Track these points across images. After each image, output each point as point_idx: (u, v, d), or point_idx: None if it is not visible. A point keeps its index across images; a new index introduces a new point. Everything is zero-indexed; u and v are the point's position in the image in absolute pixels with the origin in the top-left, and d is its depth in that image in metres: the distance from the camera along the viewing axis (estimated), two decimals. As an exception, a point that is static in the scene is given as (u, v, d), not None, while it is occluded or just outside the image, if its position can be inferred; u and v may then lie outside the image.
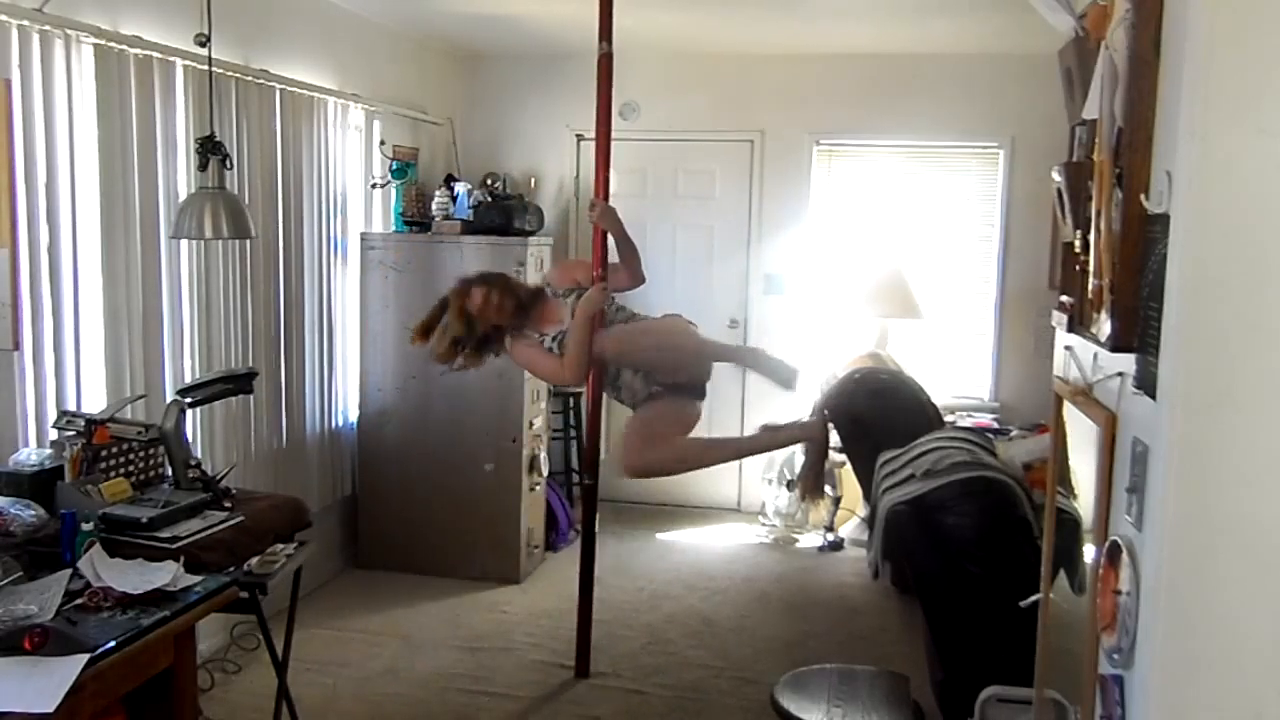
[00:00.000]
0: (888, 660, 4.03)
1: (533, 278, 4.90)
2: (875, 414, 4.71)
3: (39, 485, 2.76)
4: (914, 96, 5.77)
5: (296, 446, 4.58)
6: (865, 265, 5.82)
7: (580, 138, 6.10)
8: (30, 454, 2.93)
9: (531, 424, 5.02)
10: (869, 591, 5.01)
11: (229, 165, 3.44)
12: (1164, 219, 1.71)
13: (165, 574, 2.44)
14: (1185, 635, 1.63)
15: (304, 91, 4.44)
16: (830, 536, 5.70)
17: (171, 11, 3.62)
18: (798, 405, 5.80)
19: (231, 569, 2.77)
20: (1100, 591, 1.94)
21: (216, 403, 3.57)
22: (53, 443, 3.01)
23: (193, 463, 3.09)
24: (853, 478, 5.09)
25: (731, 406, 6.17)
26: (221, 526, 2.84)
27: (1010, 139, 5.73)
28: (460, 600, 4.75)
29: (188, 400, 3.18)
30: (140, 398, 3.44)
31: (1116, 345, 1.92)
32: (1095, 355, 2.18)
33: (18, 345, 3.01)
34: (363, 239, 5.01)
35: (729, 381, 6.14)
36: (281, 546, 3.06)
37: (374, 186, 5.15)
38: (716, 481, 6.27)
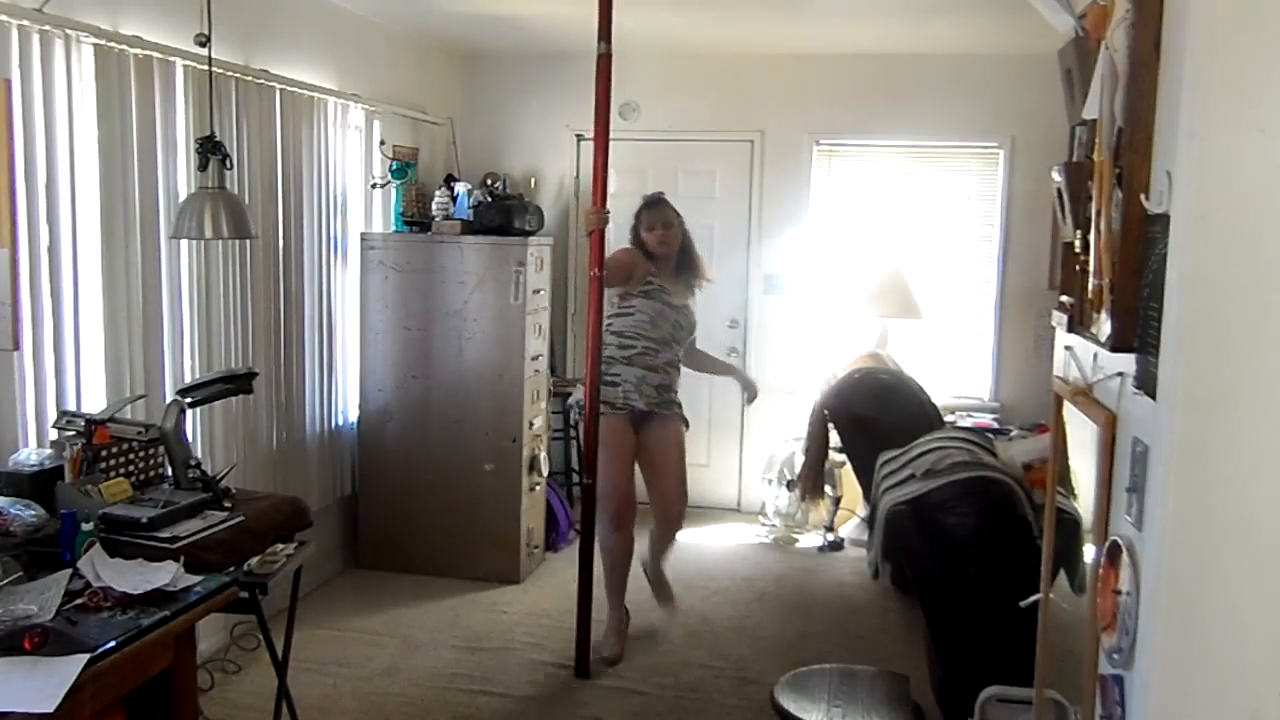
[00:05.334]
0: (888, 660, 4.03)
1: (532, 278, 4.92)
2: (875, 414, 4.71)
3: (39, 485, 2.76)
4: (914, 96, 5.77)
5: (296, 446, 4.58)
6: (865, 265, 5.82)
7: (580, 138, 6.10)
8: (30, 454, 2.93)
9: (531, 424, 5.02)
10: (869, 591, 5.01)
11: (229, 165, 3.43)
12: (1164, 219, 1.71)
13: (165, 574, 2.43)
14: (1185, 635, 1.63)
15: (304, 91, 4.44)
16: (830, 536, 5.70)
17: (171, 11, 3.62)
18: (795, 407, 5.81)
19: (231, 569, 2.77)
20: (1100, 591, 1.94)
21: (216, 403, 3.57)
22: (53, 443, 3.01)
23: (193, 463, 3.08)
24: (853, 478, 5.09)
25: (731, 406, 6.17)
26: (221, 526, 2.84)
27: (1010, 139, 5.73)
28: (460, 600, 4.74)
29: (188, 400, 3.18)
30: (140, 398, 3.44)
31: (1116, 345, 1.92)
32: (1095, 355, 2.18)
33: (18, 345, 3.01)
34: (363, 239, 5.01)
35: (730, 383, 6.15)
36: (281, 546, 3.05)
37: (374, 186, 5.15)
38: (716, 481, 6.28)
